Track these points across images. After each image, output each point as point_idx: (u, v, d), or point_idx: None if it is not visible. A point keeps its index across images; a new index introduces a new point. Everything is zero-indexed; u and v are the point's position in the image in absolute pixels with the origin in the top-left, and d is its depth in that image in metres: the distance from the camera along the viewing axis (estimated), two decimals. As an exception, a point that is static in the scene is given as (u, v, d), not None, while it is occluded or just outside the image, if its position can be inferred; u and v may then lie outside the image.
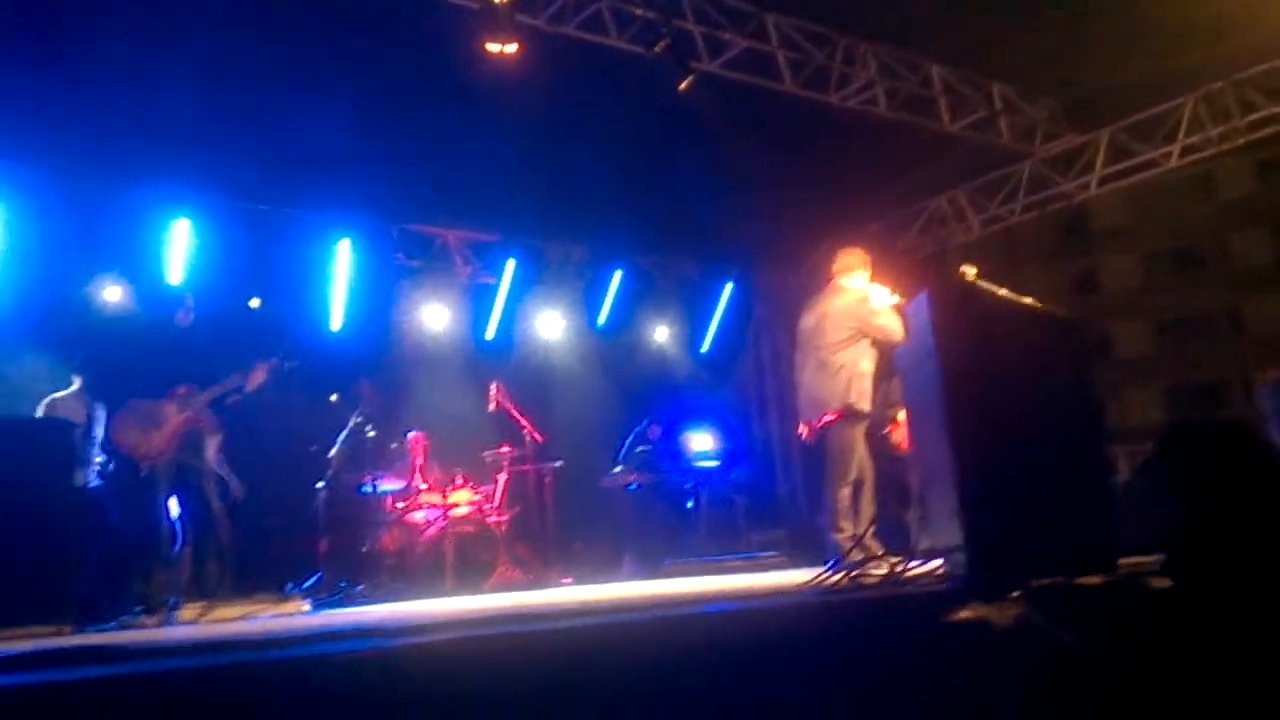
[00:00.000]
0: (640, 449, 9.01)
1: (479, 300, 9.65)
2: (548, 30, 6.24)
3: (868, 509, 5.49)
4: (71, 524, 5.17)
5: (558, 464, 8.31)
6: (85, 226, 7.20)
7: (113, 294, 7.05)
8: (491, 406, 8.08)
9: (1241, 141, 8.09)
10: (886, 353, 5.40)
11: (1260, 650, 2.56)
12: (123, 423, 5.67)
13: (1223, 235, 17.57)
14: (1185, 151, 8.30)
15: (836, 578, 4.10)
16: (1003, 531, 3.70)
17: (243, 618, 5.40)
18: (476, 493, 7.74)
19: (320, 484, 7.24)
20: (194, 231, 7.72)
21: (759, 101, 7.17)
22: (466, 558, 7.25)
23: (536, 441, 8.09)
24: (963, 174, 9.25)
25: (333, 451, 7.32)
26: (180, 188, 7.55)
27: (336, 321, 8.55)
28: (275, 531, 7.33)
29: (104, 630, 4.85)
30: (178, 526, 5.70)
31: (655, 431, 9.20)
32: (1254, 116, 7.93)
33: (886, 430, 6.00)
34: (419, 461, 7.77)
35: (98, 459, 5.73)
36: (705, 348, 11.01)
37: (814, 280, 7.89)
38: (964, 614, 2.99)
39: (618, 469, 8.91)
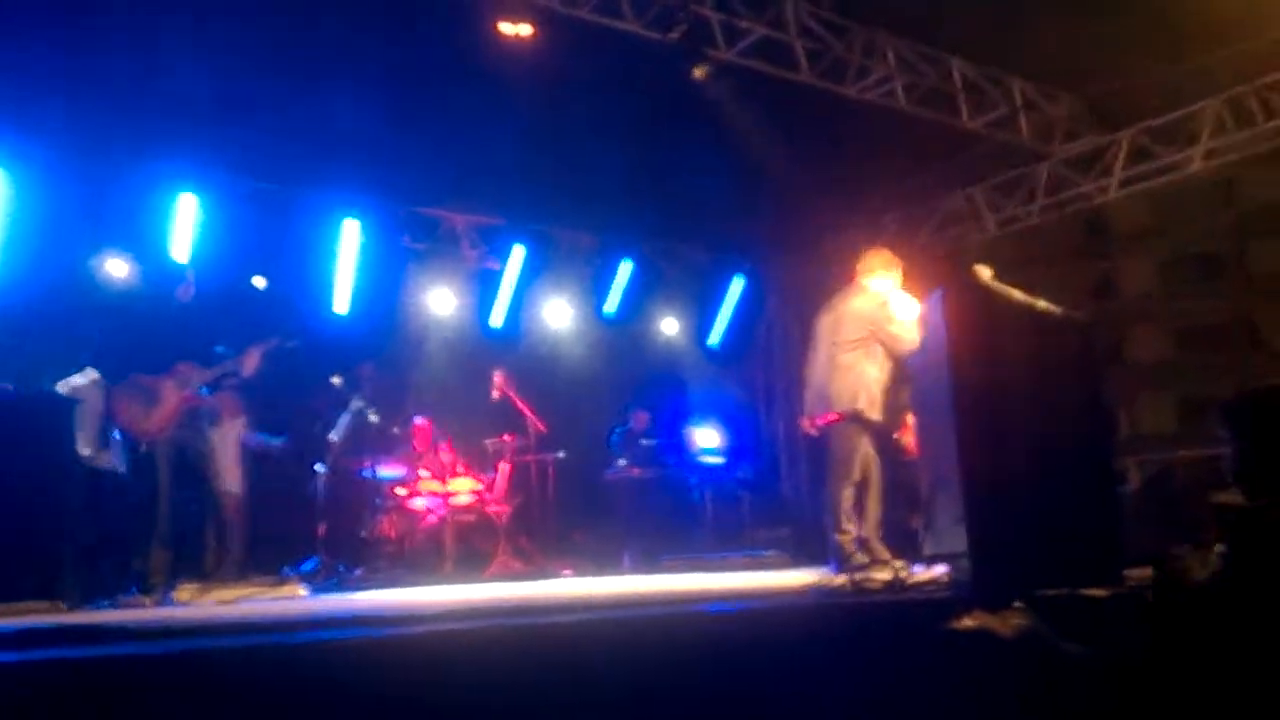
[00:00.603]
0: (645, 442, 8.94)
1: (485, 286, 9.54)
2: (562, 12, 6.15)
3: (874, 510, 5.39)
4: (69, 500, 5.13)
5: (560, 455, 8.25)
6: (91, 200, 7.15)
7: (117, 268, 7.01)
8: (495, 395, 8.02)
9: (1265, 147, 7.94)
10: (900, 360, 5.31)
11: None
12: (124, 398, 5.66)
13: (1243, 242, 17.33)
14: (1209, 155, 8.16)
15: (838, 581, 4.04)
16: (1008, 539, 3.64)
17: (238, 600, 5.37)
18: (478, 481, 7.70)
19: (320, 466, 7.19)
20: (200, 207, 7.66)
21: (774, 91, 7.05)
22: (466, 546, 7.22)
23: (540, 431, 8.03)
24: (980, 172, 9.12)
25: (333, 434, 7.27)
26: (187, 163, 7.49)
27: (342, 303, 8.47)
28: (274, 513, 7.29)
29: (100, 608, 4.83)
30: (176, 506, 5.68)
31: (643, 418, 9.11)
32: (1278, 122, 7.78)
33: (896, 434, 5.90)
34: (422, 448, 7.73)
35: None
36: (714, 340, 10.89)
37: (828, 274, 7.81)
38: (966, 622, 2.93)
39: (621, 462, 8.84)
